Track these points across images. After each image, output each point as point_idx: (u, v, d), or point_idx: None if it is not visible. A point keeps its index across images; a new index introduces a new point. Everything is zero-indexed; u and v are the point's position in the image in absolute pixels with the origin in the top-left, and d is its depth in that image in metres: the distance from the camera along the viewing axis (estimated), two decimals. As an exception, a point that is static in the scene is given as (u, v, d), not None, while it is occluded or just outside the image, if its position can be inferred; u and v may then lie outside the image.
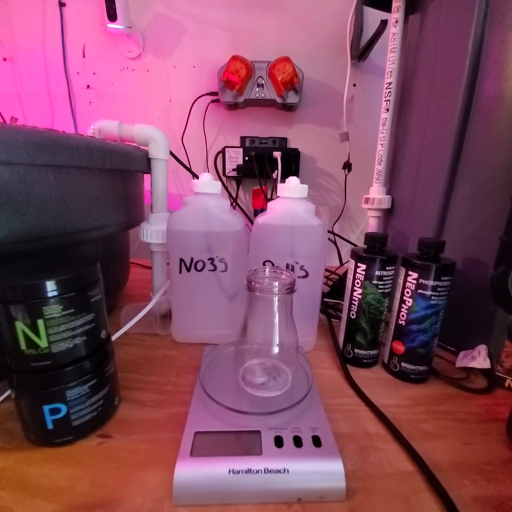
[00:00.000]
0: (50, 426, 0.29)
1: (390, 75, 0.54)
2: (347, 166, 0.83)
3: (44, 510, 0.25)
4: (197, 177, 0.44)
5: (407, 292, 0.39)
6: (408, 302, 0.39)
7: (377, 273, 0.40)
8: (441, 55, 0.45)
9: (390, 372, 0.43)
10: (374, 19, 0.73)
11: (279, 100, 0.78)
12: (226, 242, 0.43)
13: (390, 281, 0.41)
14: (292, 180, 0.43)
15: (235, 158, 0.85)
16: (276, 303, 0.33)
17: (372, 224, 0.61)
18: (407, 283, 0.39)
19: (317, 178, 0.92)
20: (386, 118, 0.56)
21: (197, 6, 0.80)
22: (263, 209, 0.80)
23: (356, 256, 0.42)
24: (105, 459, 0.29)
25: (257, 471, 0.26)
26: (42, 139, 0.33)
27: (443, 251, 0.39)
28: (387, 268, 0.40)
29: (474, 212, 0.43)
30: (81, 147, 0.38)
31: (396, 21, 0.52)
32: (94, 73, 0.85)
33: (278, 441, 0.28)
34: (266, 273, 0.35)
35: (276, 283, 0.33)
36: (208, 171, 0.88)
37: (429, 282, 0.37)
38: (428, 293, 0.37)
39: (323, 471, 0.26)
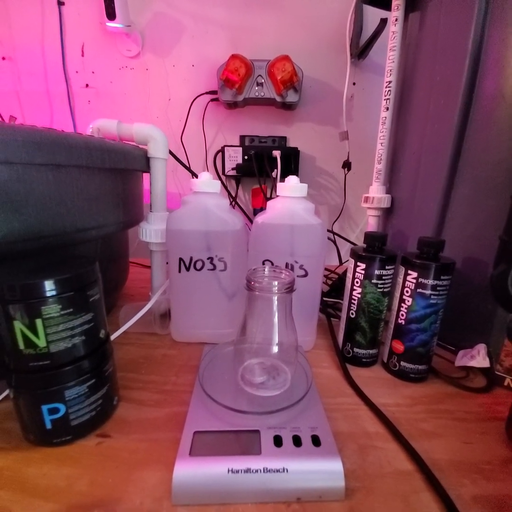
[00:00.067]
0: (48, 426, 0.29)
1: (390, 74, 0.54)
2: (347, 165, 0.83)
3: (43, 510, 0.25)
4: (196, 176, 0.44)
5: (407, 291, 0.39)
6: (408, 301, 0.39)
7: (376, 272, 0.40)
8: (441, 54, 0.45)
9: (389, 371, 0.43)
10: (373, 17, 0.73)
11: (278, 98, 0.78)
12: (225, 241, 0.43)
13: (389, 280, 0.41)
14: (292, 179, 0.43)
15: (234, 157, 0.84)
16: (276, 302, 0.33)
17: (371, 223, 0.61)
18: (407, 282, 0.39)
19: (316, 177, 0.91)
20: (385, 117, 0.56)
21: (196, 5, 0.79)
22: (262, 208, 0.80)
23: (356, 255, 0.42)
24: (104, 458, 0.29)
25: (256, 471, 0.26)
26: (41, 138, 0.33)
27: (443, 250, 0.38)
28: (386, 267, 0.40)
29: (474, 211, 0.43)
30: (80, 146, 0.37)
31: (396, 20, 0.52)
32: (93, 72, 0.85)
33: (277, 441, 0.28)
34: (265, 272, 0.35)
35: (276, 283, 0.33)
36: (208, 170, 0.88)
37: (428, 281, 0.37)
38: (428, 292, 0.37)
39: (322, 471, 0.26)
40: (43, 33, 0.82)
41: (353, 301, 0.43)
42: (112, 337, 0.40)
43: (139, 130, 0.51)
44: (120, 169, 0.46)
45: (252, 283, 0.32)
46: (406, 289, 0.39)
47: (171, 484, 0.25)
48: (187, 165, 0.70)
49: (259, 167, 0.81)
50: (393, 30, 0.52)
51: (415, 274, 0.38)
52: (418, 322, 0.39)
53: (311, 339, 0.48)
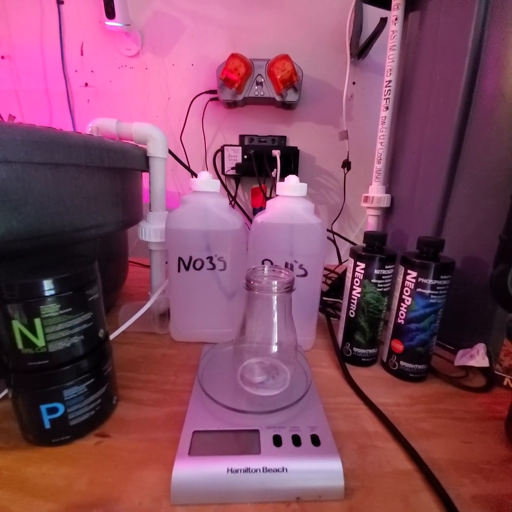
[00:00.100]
0: (47, 425, 0.29)
1: (390, 73, 0.54)
2: (346, 164, 0.83)
3: (42, 510, 0.24)
4: (196, 176, 0.44)
5: (406, 291, 0.39)
6: (407, 301, 0.39)
7: (376, 271, 0.40)
8: (441, 53, 0.45)
9: (389, 371, 0.43)
10: (373, 16, 0.73)
11: (278, 98, 0.78)
12: (225, 241, 0.43)
13: (389, 280, 0.41)
14: (291, 179, 0.43)
15: (234, 156, 0.84)
16: (275, 302, 0.33)
17: (371, 223, 0.61)
18: (406, 282, 0.39)
19: (316, 177, 0.91)
20: (385, 116, 0.55)
21: (196, 4, 0.79)
22: (262, 208, 0.80)
23: (355, 254, 0.42)
24: (103, 458, 0.29)
25: (256, 470, 0.26)
26: (40, 137, 0.33)
27: (442, 249, 0.38)
28: (386, 266, 0.40)
29: (474, 210, 0.43)
30: (79, 145, 0.37)
31: (396, 19, 0.52)
32: (92, 71, 0.84)
33: (277, 440, 0.28)
34: (265, 272, 0.35)
35: (275, 282, 0.33)
36: (207, 170, 0.88)
37: (428, 281, 0.37)
38: (427, 292, 0.37)
39: (322, 470, 0.26)
40: (42, 32, 0.81)
41: (352, 300, 0.43)
42: (111, 337, 0.40)
43: (139, 129, 0.51)
44: (119, 168, 0.46)
45: (252, 282, 0.32)
46: (405, 288, 0.39)
47: (170, 484, 0.25)
48: (187, 165, 0.70)
49: (259, 167, 0.81)
50: (393, 29, 0.52)
51: (414, 274, 0.38)
52: (417, 321, 0.39)
53: (310, 338, 0.48)
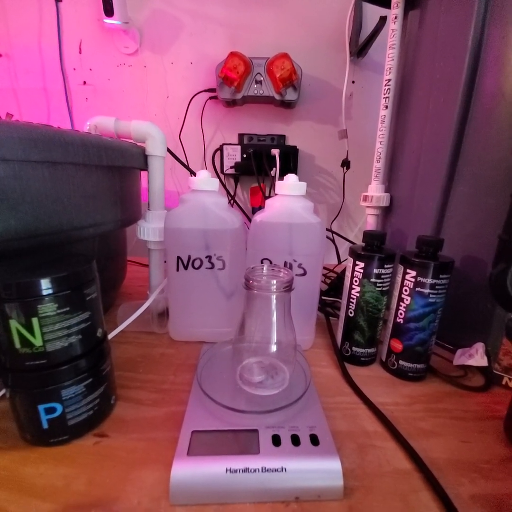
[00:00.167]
0: (45, 425, 0.28)
1: (389, 72, 0.54)
2: (346, 163, 0.83)
3: (40, 510, 0.24)
4: (195, 175, 0.44)
5: (405, 290, 0.39)
6: (406, 300, 0.39)
7: (375, 271, 0.40)
8: (441, 52, 0.45)
9: (388, 370, 0.43)
10: (373, 15, 0.73)
11: (277, 97, 0.77)
12: (224, 240, 0.43)
13: (388, 279, 0.41)
14: (291, 178, 0.42)
15: (233, 155, 0.84)
16: (274, 301, 0.33)
17: (370, 222, 0.61)
18: (406, 281, 0.39)
19: (315, 176, 0.91)
20: (385, 115, 0.55)
21: (195, 2, 0.79)
22: (261, 207, 0.79)
23: (354, 254, 0.41)
24: (101, 458, 0.29)
25: (255, 470, 0.26)
26: (37, 135, 0.33)
27: (442, 249, 0.38)
28: (385, 266, 0.40)
29: (473, 209, 0.43)
30: (77, 143, 0.37)
31: (395, 17, 0.52)
32: (90, 69, 0.84)
33: (276, 440, 0.28)
34: (264, 271, 0.35)
35: (274, 281, 0.33)
36: (206, 169, 0.88)
37: (427, 280, 0.37)
38: (426, 291, 0.37)
39: (321, 470, 0.26)
40: (41, 30, 0.81)
41: (351, 300, 0.43)
42: (110, 336, 0.40)
43: (137, 127, 0.50)
44: (117, 167, 0.46)
45: (251, 281, 0.32)
46: (404, 288, 0.39)
47: (169, 484, 0.25)
48: (186, 163, 0.69)
49: (258, 166, 0.81)
50: (393, 28, 0.52)
51: (414, 273, 0.38)
52: (416, 321, 0.39)
53: (309, 338, 0.48)
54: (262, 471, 0.26)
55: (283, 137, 0.87)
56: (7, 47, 0.82)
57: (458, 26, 0.42)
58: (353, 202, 0.91)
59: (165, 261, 0.47)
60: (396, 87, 0.55)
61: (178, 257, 0.44)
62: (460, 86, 0.42)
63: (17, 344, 0.26)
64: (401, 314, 0.40)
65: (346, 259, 0.44)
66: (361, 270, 0.41)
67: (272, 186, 0.84)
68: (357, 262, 0.41)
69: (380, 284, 0.40)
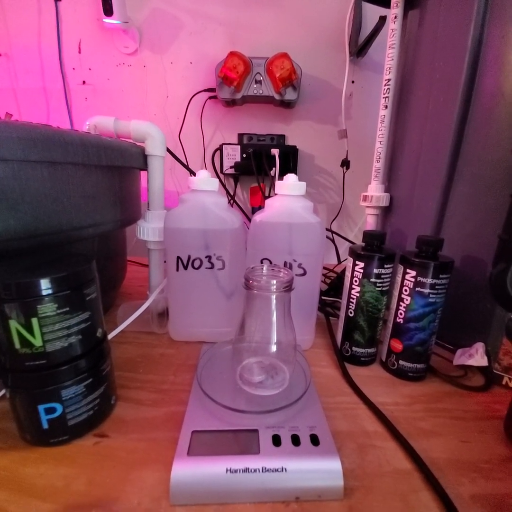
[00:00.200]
0: (45, 425, 0.28)
1: (389, 72, 0.54)
2: (345, 163, 0.83)
3: (40, 510, 0.24)
4: (194, 174, 0.43)
5: (405, 290, 0.39)
6: (406, 300, 0.39)
7: (375, 271, 0.40)
8: (441, 51, 0.45)
9: (388, 370, 0.43)
10: (372, 15, 0.73)
11: (277, 96, 0.77)
12: (223, 240, 0.43)
13: (388, 279, 0.41)
14: (290, 178, 0.42)
15: (232, 155, 0.84)
16: (274, 301, 0.33)
17: (370, 222, 0.61)
18: (405, 281, 0.39)
19: (315, 176, 0.91)
20: (384, 115, 0.55)
21: (194, 1, 0.79)
22: (261, 207, 0.79)
23: (354, 254, 0.41)
24: (101, 458, 0.29)
25: (255, 470, 0.26)
26: (37, 135, 0.33)
27: (442, 248, 0.38)
28: (385, 266, 0.40)
29: (473, 209, 0.43)
30: (76, 143, 0.37)
31: (395, 17, 0.52)
32: (90, 69, 0.84)
33: (276, 440, 0.28)
34: (264, 271, 0.35)
35: (274, 281, 0.32)
36: (206, 168, 0.88)
37: (427, 280, 0.37)
38: (426, 291, 0.37)
39: (321, 470, 0.26)
40: (40, 29, 0.81)
41: (351, 300, 0.43)
42: (110, 336, 0.40)
43: (137, 127, 0.50)
44: (117, 167, 0.46)
45: (251, 281, 0.32)
46: (404, 288, 0.39)
47: (169, 484, 0.25)
48: (185, 163, 0.69)
49: (258, 166, 0.81)
50: (392, 28, 0.52)
51: (413, 273, 0.38)
52: (416, 321, 0.39)
53: (309, 338, 0.48)
54: (262, 471, 0.26)
55: (282, 137, 0.87)
56: (6, 46, 0.82)
57: (458, 26, 0.42)
58: (352, 202, 0.91)
59: (165, 261, 0.47)
60: (396, 87, 0.55)
61: (178, 257, 0.44)
62: (459, 86, 0.42)
63: (17, 344, 0.26)
64: (401, 314, 0.40)
65: (346, 259, 0.44)
66: (361, 270, 0.41)
67: (272, 186, 0.84)
68: (357, 262, 0.41)
69: (380, 284, 0.40)
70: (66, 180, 0.37)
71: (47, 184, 0.35)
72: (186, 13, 0.80)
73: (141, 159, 0.51)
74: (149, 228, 0.50)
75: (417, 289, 0.38)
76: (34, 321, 0.26)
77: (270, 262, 0.43)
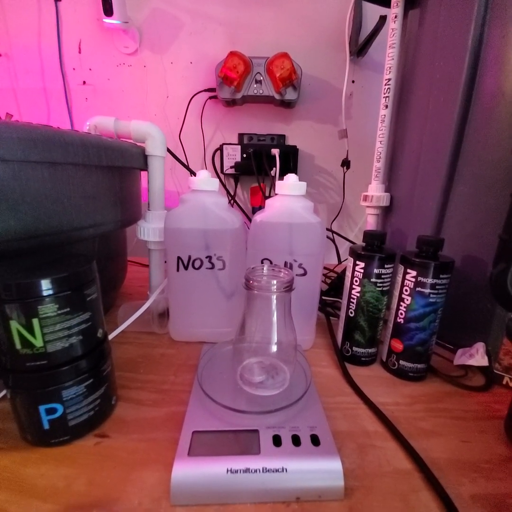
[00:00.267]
0: (46, 426, 0.28)
1: (389, 71, 0.53)
2: (346, 163, 0.83)
3: (41, 511, 0.24)
4: (195, 175, 0.43)
5: (406, 290, 0.39)
6: (407, 300, 0.39)
7: (375, 271, 0.40)
8: (441, 51, 0.45)
9: (388, 370, 0.43)
10: (373, 14, 0.73)
11: (277, 96, 0.77)
12: (224, 240, 0.43)
13: (388, 279, 0.41)
14: (291, 178, 0.42)
15: (233, 155, 0.84)
16: (274, 301, 0.33)
17: (370, 222, 0.61)
18: (406, 281, 0.39)
19: (315, 176, 0.91)
20: (385, 115, 0.55)
21: (194, 1, 0.79)
22: (261, 207, 0.79)
23: (355, 254, 0.41)
24: (102, 458, 0.29)
25: (255, 471, 0.26)
26: (37, 136, 0.33)
27: (442, 249, 0.38)
28: (385, 266, 0.40)
29: (473, 209, 0.43)
30: (77, 143, 0.37)
31: (395, 17, 0.52)
32: (90, 69, 0.84)
33: (276, 440, 0.28)
34: (264, 271, 0.35)
35: (274, 281, 0.32)
36: (206, 169, 0.88)
37: (427, 280, 0.37)
38: (427, 291, 0.37)
39: (322, 470, 0.26)
40: (40, 29, 0.81)
41: (352, 300, 0.43)
42: (110, 336, 0.40)
43: (137, 127, 0.50)
44: (117, 167, 0.46)
45: (251, 282, 0.32)
46: (405, 288, 0.39)
47: (170, 484, 0.25)
48: (186, 163, 0.69)
49: (258, 166, 0.81)
50: (393, 27, 0.52)
51: (414, 273, 0.38)
52: (417, 321, 0.39)
53: (310, 338, 0.48)
54: (262, 471, 0.26)
55: (283, 136, 0.87)
56: (6, 47, 0.82)
57: (458, 26, 0.42)
58: (353, 202, 0.91)
59: (165, 261, 0.47)
60: (396, 87, 0.55)
61: (178, 257, 0.44)
62: (460, 86, 0.42)
63: (18, 345, 0.26)
64: (401, 314, 0.40)
65: (346, 259, 0.44)
66: (362, 270, 0.41)
67: (272, 186, 0.84)
68: (358, 262, 0.41)
69: (381, 284, 0.40)
70: (66, 180, 0.37)
71: (47, 185, 0.35)
72: (186, 13, 0.80)
73: (142, 159, 0.51)
74: (150, 228, 0.50)
75: (417, 289, 0.38)
76: (35, 321, 0.26)
77: (271, 262, 0.43)
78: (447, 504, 0.25)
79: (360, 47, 0.75)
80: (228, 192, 0.87)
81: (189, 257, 0.44)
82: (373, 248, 0.41)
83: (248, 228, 0.44)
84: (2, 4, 0.79)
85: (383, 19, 0.65)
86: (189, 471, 0.26)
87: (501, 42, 0.38)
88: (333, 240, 0.82)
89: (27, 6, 0.79)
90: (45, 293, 0.26)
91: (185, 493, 0.25)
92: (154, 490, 0.26)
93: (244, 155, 0.84)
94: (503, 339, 0.39)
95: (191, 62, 0.83)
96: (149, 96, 0.85)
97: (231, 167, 0.85)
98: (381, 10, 0.60)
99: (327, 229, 0.83)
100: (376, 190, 0.59)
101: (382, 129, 0.56)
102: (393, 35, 0.52)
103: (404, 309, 0.40)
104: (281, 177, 0.58)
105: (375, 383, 0.40)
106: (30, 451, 0.29)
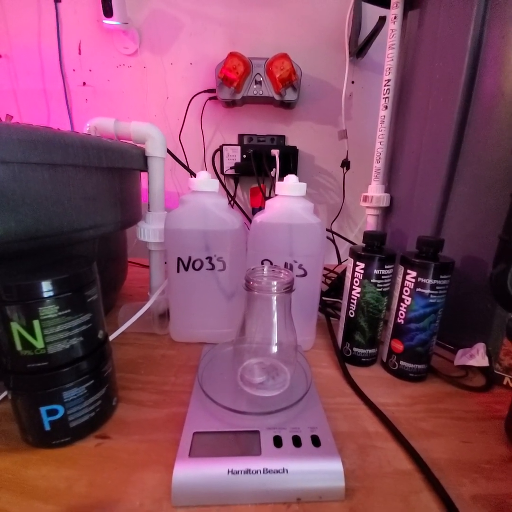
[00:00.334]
0: (47, 427, 0.28)
1: (389, 72, 0.54)
2: (346, 164, 0.83)
3: (42, 512, 0.24)
4: (195, 175, 0.44)
5: (406, 291, 0.39)
6: (407, 300, 0.39)
7: (375, 271, 0.40)
8: (440, 51, 0.45)
9: (388, 371, 0.43)
10: (372, 15, 0.73)
11: (277, 97, 0.77)
12: (224, 241, 0.43)
13: (388, 280, 0.41)
14: (290, 178, 0.42)
15: (233, 156, 0.84)
16: (275, 302, 0.33)
17: (370, 223, 0.61)
18: (406, 282, 0.39)
19: (315, 176, 0.91)
20: (384, 116, 0.55)
21: (194, 2, 0.79)
22: (261, 208, 0.79)
23: (355, 254, 0.41)
24: (103, 460, 0.29)
25: (256, 472, 0.26)
26: (37, 137, 0.33)
27: (442, 249, 0.38)
28: (385, 266, 0.40)
29: (473, 210, 0.43)
30: (77, 145, 0.37)
31: (395, 17, 0.52)
32: (90, 70, 0.84)
33: (277, 441, 0.28)
34: (264, 272, 0.35)
35: (275, 282, 0.33)
36: (206, 169, 0.88)
37: (428, 281, 0.37)
38: (427, 291, 0.37)
39: (322, 471, 0.26)
40: (40, 31, 0.81)
41: (352, 300, 0.43)
42: (111, 338, 0.40)
43: (137, 128, 0.50)
44: (117, 168, 0.46)
45: (251, 283, 0.32)
46: (405, 288, 0.39)
47: (171, 485, 0.25)
48: (185, 164, 0.69)
49: (258, 166, 0.81)
50: (392, 28, 0.52)
51: (414, 274, 0.38)
52: (417, 321, 0.39)
53: (310, 338, 0.48)
54: (263, 472, 0.26)
55: (283, 137, 0.87)
56: (6, 48, 0.82)
57: (458, 26, 0.42)
58: (353, 203, 0.91)
59: (165, 262, 0.47)
60: (396, 87, 0.55)
61: (179, 258, 0.44)
62: (459, 86, 0.42)
63: (19, 346, 0.26)
64: (401, 314, 0.40)
65: (347, 259, 0.44)
66: (362, 271, 0.41)
67: (272, 186, 0.84)
68: (358, 263, 0.41)
69: (381, 285, 0.40)
70: (66, 182, 0.37)
71: (47, 186, 0.35)
72: (186, 14, 0.80)
73: (142, 161, 0.51)
74: (150, 229, 0.50)
75: (417, 289, 0.38)
76: (36, 323, 0.26)
77: (271, 263, 0.43)
78: (447, 504, 0.25)
79: (360, 48, 0.75)
80: (228, 193, 0.87)
81: (189, 258, 0.44)
82: (373, 248, 0.41)
83: (248, 229, 0.44)
84: (2, 5, 0.79)
85: (382, 20, 0.65)
86: (190, 472, 0.26)
87: (501, 42, 0.38)
88: (333, 241, 0.82)
89: (27, 7, 0.79)
90: (45, 295, 0.26)
91: (186, 494, 0.25)
92: (155, 491, 0.26)
93: (244, 156, 0.84)
94: (504, 339, 0.39)
95: (191, 63, 0.83)
96: (149, 97, 0.85)
97: (231, 168, 0.85)
98: (380, 11, 0.61)
99: (327, 230, 0.83)
100: (376, 191, 0.59)
101: (381, 130, 0.56)
102: (393, 36, 0.52)
103: (404, 310, 0.40)
104: (281, 178, 0.58)
105: (376, 384, 0.40)
106: (31, 452, 0.29)
